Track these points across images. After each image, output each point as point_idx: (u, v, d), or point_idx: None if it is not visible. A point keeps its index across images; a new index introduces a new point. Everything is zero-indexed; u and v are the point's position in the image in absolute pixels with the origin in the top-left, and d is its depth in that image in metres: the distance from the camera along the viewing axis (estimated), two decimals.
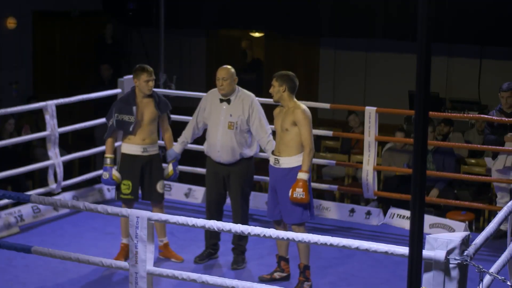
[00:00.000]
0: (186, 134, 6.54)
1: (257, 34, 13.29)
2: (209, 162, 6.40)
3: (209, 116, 6.33)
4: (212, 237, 6.50)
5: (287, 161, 5.79)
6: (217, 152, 6.25)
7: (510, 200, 7.25)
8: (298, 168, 5.73)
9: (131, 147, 6.33)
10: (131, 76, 8.41)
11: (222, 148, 6.22)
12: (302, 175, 5.66)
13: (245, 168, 6.32)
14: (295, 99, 5.89)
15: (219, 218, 6.28)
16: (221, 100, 6.26)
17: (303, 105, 5.89)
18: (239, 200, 6.33)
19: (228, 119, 6.19)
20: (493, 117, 7.29)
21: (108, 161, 6.30)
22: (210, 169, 6.39)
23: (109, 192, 8.30)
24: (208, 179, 6.44)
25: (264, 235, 4.29)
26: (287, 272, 6.08)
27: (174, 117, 6.82)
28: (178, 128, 6.80)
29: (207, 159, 6.42)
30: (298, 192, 5.65)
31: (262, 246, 6.75)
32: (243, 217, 6.34)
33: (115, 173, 6.26)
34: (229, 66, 6.29)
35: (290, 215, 5.83)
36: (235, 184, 6.30)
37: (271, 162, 5.91)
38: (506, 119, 7.15)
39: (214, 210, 6.40)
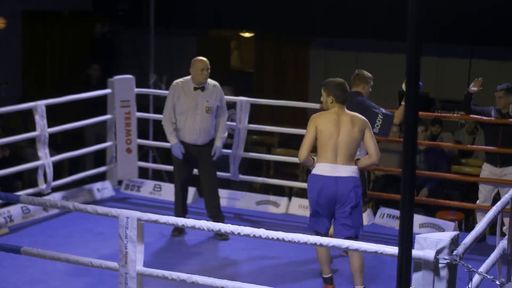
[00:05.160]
0: (172, 125, 6.96)
1: (247, 34, 13.29)
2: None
3: (184, 104, 6.85)
4: (184, 211, 7.13)
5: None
6: (196, 135, 6.91)
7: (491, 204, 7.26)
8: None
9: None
10: (121, 76, 8.46)
11: (200, 131, 6.90)
12: None
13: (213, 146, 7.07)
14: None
15: (187, 195, 7.22)
16: (195, 88, 6.89)
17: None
18: (214, 173, 7.10)
19: (206, 104, 6.89)
20: (483, 118, 7.30)
21: None
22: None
23: (99, 192, 8.29)
24: (179, 161, 6.99)
25: (254, 235, 4.29)
26: None
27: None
28: None
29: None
30: None
31: (252, 246, 6.75)
32: (217, 186, 7.13)
33: None
34: (204, 58, 6.94)
35: None
36: (209, 159, 7.02)
37: None
38: (495, 119, 7.17)
39: (185, 189, 7.14)
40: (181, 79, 6.99)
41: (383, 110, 6.51)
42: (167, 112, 6.94)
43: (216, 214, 7.12)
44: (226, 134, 7.15)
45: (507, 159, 7.20)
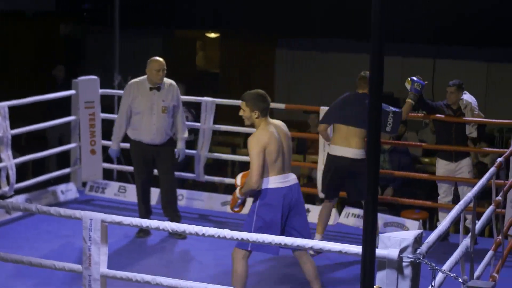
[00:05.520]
0: (121, 130, 7.00)
1: (212, 35, 13.28)
2: (137, 146, 6.98)
3: (140, 104, 6.86)
4: (148, 212, 7.15)
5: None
6: (153, 135, 6.89)
7: (452, 199, 7.38)
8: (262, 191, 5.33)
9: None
10: (86, 77, 8.38)
11: (157, 131, 6.88)
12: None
13: (171, 145, 7.05)
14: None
15: (149, 196, 7.16)
16: (151, 88, 6.86)
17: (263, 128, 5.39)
18: (171, 171, 7.08)
19: (162, 104, 6.86)
20: (444, 116, 7.38)
21: None
22: (139, 152, 7.00)
23: (63, 194, 8.20)
24: (138, 161, 7.05)
25: (219, 236, 4.28)
26: None
27: None
28: None
29: (134, 143, 6.99)
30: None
31: (217, 247, 6.73)
32: (175, 186, 7.15)
33: None
34: (160, 58, 6.88)
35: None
36: (166, 159, 7.01)
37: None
38: (454, 118, 7.27)
39: (147, 190, 7.12)
40: (136, 79, 6.99)
41: (392, 108, 6.58)
42: (120, 113, 6.98)
43: (173, 214, 7.15)
44: (186, 134, 7.15)
45: (461, 153, 7.39)
